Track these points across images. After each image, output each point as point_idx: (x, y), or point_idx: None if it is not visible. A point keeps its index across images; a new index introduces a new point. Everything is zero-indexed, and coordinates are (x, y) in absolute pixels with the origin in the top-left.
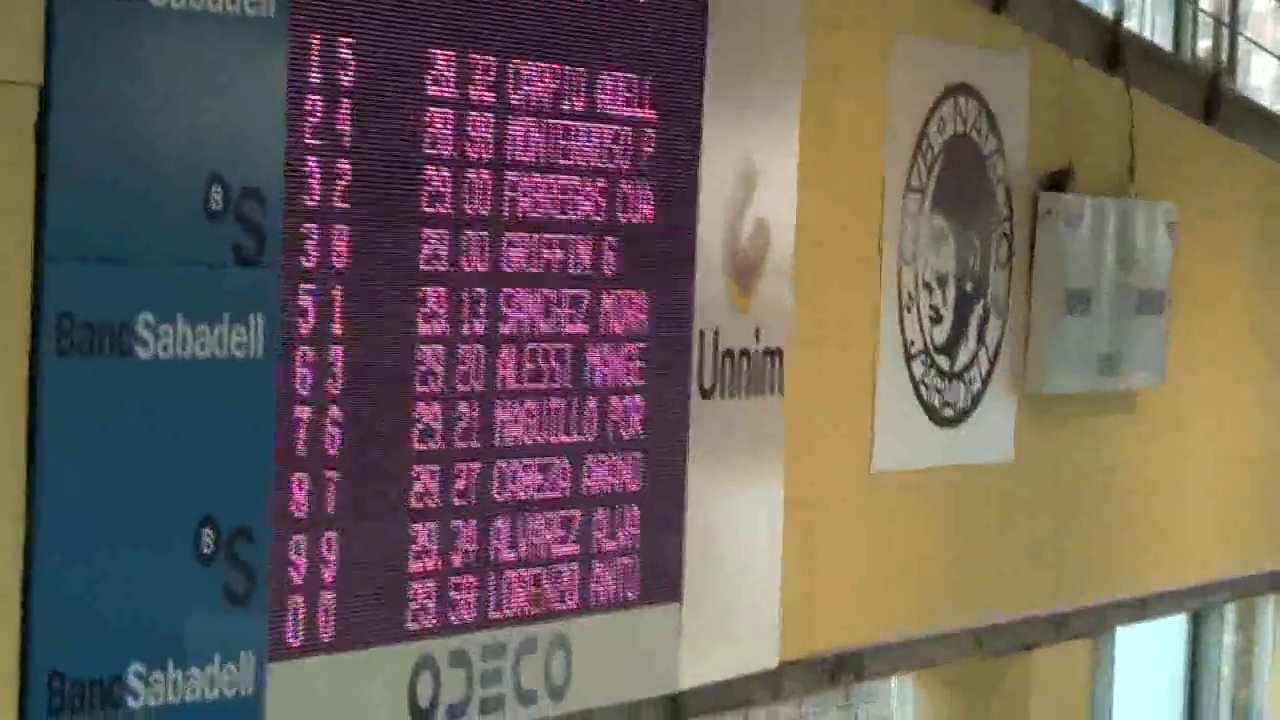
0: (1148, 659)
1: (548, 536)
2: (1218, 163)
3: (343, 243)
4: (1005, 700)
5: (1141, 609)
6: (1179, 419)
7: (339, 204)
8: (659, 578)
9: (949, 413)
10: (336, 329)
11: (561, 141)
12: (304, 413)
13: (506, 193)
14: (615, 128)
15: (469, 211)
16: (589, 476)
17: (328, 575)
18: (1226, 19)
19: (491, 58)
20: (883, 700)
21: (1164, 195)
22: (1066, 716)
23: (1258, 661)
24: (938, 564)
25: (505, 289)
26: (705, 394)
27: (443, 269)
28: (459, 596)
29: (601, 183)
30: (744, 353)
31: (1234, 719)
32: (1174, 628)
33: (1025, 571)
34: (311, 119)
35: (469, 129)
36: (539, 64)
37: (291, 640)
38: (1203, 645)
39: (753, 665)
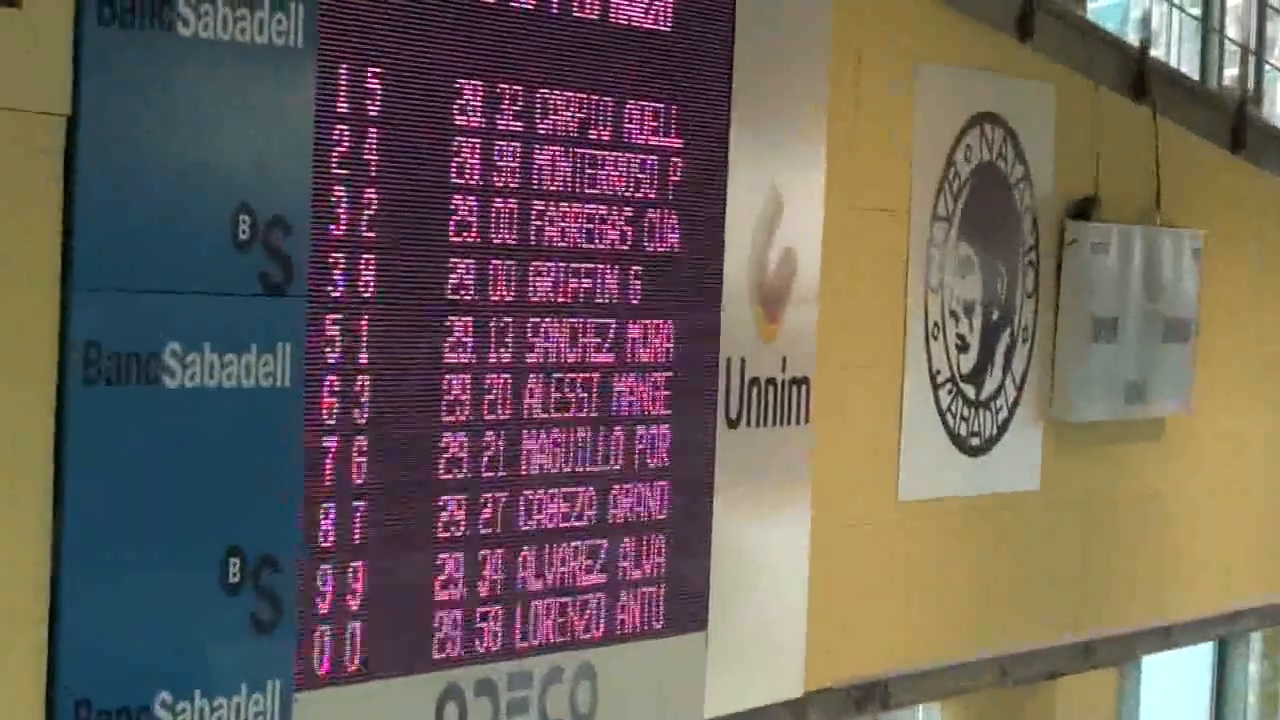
0: (1173, 687)
1: (574, 565)
2: (1244, 190)
3: (370, 272)
4: None
5: (1167, 637)
6: (1205, 446)
7: (366, 233)
8: (685, 607)
9: (975, 441)
10: (363, 358)
11: (588, 170)
12: (331, 442)
13: (533, 221)
14: (642, 156)
15: (496, 240)
16: (615, 506)
17: (354, 604)
18: (1253, 47)
19: (519, 87)
20: None
21: (1190, 223)
22: None
23: None
24: (964, 592)
25: (532, 318)
26: (731, 423)
27: (470, 298)
28: (485, 625)
29: (628, 211)
30: (770, 382)
31: None
32: (1200, 656)
33: (1051, 600)
34: (339, 148)
35: (496, 158)
36: (566, 93)
37: (318, 669)
38: (1228, 673)
39: (778, 694)
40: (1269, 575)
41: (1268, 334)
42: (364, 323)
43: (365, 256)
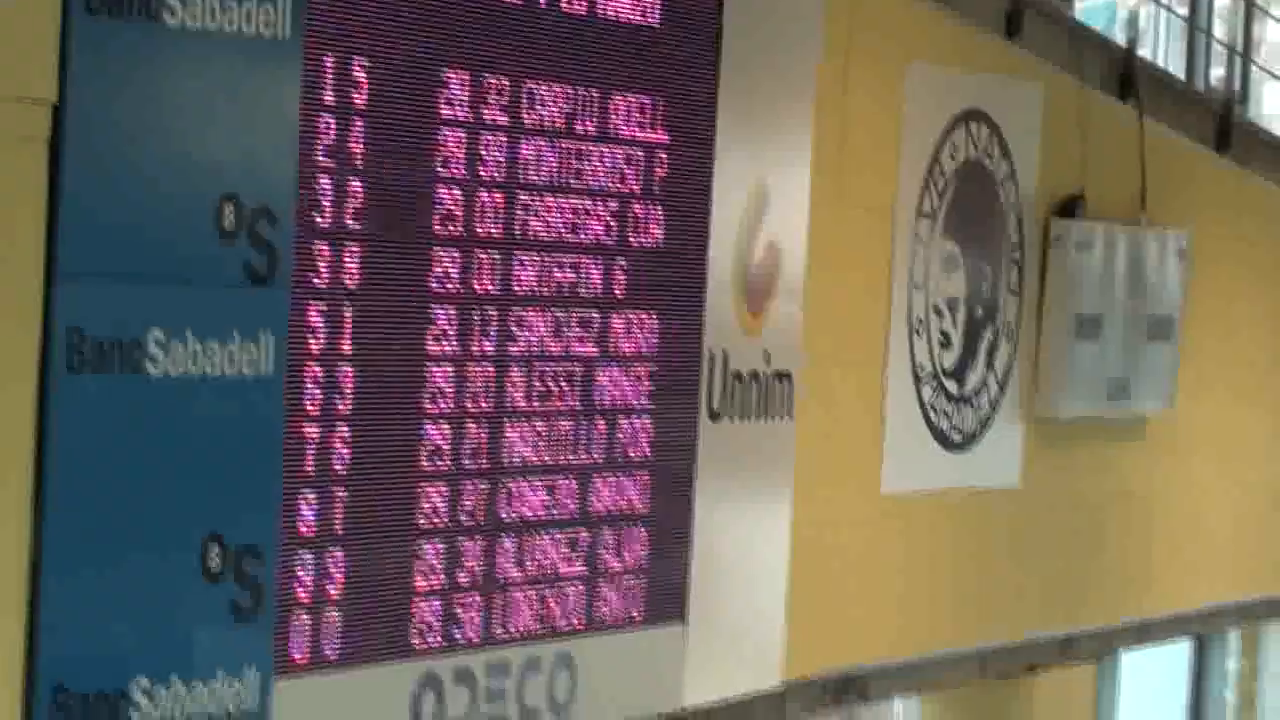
0: (1152, 683)
1: (554, 556)
2: (1229, 191)
3: (354, 262)
4: None
5: (1146, 633)
6: (1187, 445)
7: (351, 223)
8: (664, 598)
9: (957, 437)
10: (346, 348)
11: (573, 163)
12: (313, 431)
13: (518, 214)
14: (627, 149)
15: (480, 232)
16: (596, 497)
17: (334, 592)
18: (1239, 48)
19: (505, 79)
20: None
21: (1175, 223)
22: None
23: (1261, 687)
24: (944, 586)
25: (515, 310)
26: (714, 416)
27: (453, 289)
28: (464, 615)
29: (613, 204)
30: (753, 375)
31: None
32: (1178, 653)
33: (1031, 594)
34: (324, 139)
35: (481, 150)
36: (552, 85)
37: (297, 656)
38: (1207, 670)
39: (757, 685)
40: (1248, 573)
41: (1251, 334)
42: (347, 313)
43: (350, 247)
